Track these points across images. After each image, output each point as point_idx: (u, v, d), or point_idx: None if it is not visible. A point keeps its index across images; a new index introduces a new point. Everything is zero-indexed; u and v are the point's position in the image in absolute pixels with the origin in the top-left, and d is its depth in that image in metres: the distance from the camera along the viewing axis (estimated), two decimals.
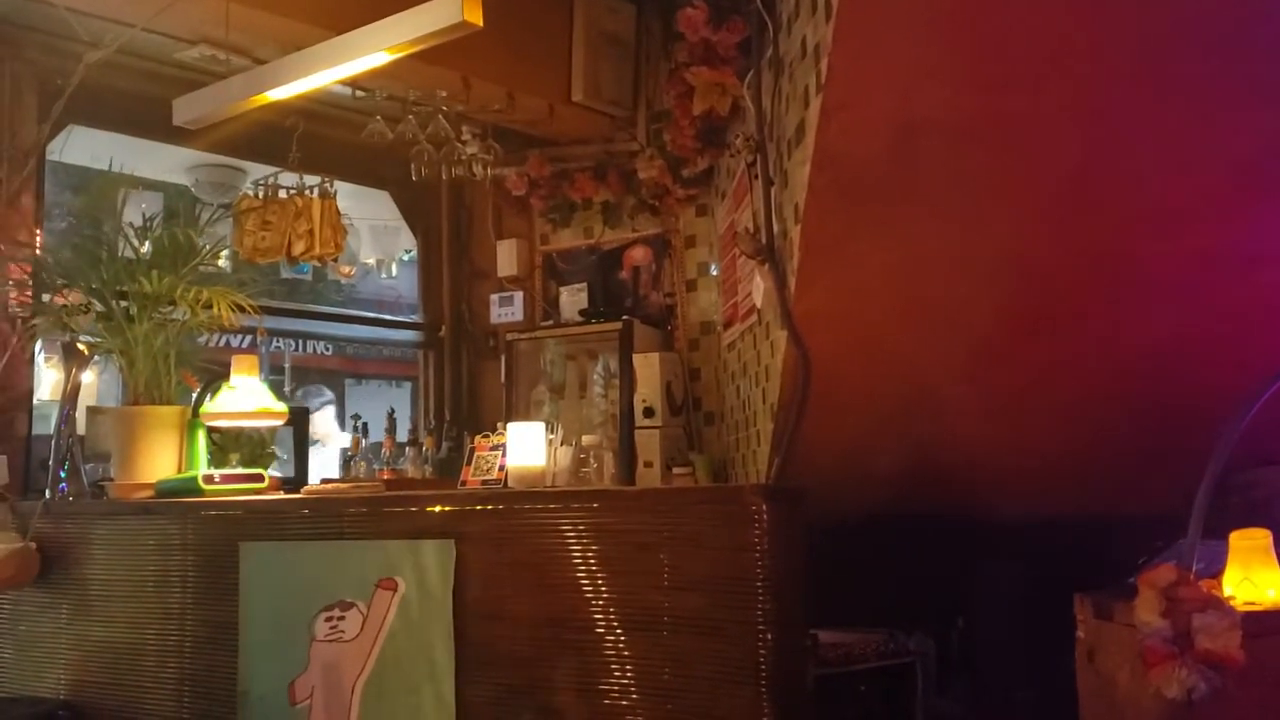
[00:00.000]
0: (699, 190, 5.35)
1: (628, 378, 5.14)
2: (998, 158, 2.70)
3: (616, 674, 2.85)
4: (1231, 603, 2.34)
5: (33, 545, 3.87)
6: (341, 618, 3.26)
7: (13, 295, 4.21)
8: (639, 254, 5.67)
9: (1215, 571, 2.51)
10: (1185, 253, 2.88)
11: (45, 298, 4.12)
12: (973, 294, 3.01)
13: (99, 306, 4.00)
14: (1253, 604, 2.41)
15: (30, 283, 4.18)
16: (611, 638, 2.87)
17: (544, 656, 2.97)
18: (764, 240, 3.41)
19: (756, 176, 3.57)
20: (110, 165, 4.27)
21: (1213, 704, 2.17)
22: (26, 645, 4.04)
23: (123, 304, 4.02)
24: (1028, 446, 3.30)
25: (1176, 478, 2.71)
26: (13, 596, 4.06)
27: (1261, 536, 2.52)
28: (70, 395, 4.10)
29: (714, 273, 5.28)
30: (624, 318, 5.32)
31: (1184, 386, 3.09)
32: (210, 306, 4.05)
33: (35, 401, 4.56)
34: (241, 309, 4.14)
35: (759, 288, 3.61)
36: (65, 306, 4.02)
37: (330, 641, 3.27)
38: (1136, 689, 2.39)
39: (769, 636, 2.65)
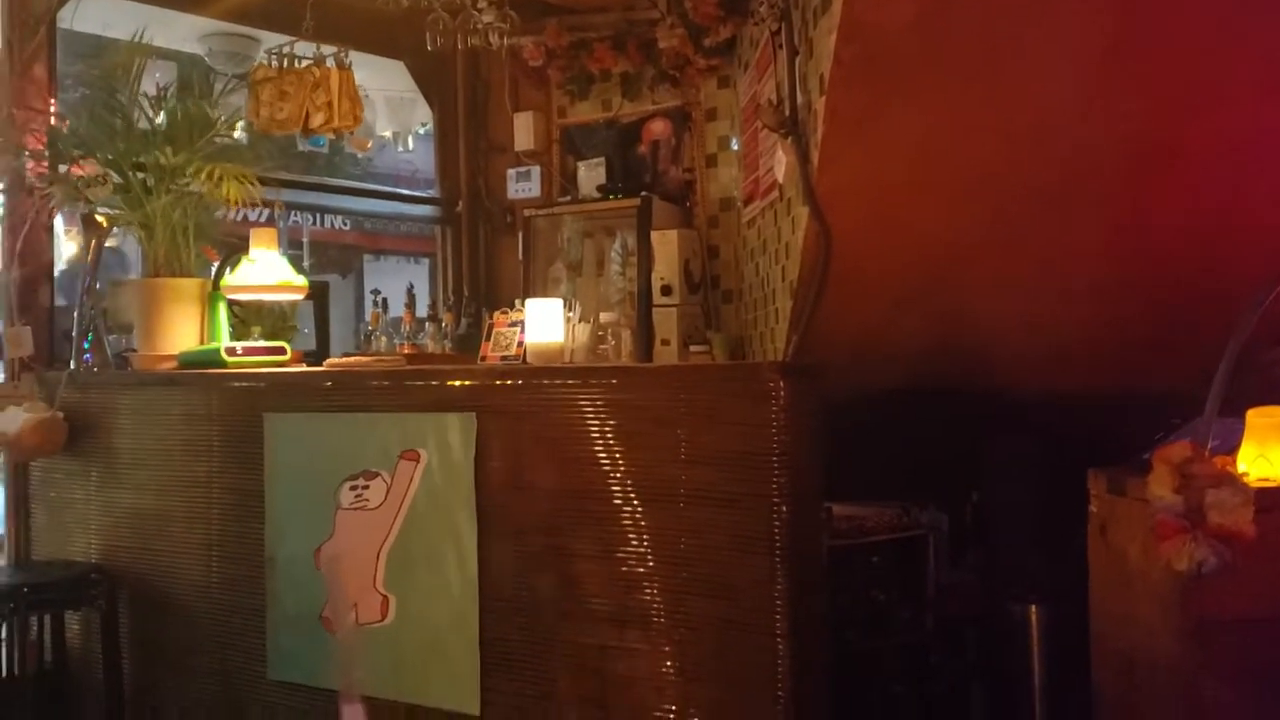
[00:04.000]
0: (721, 61, 5.23)
1: (645, 255, 5.12)
2: (1029, 29, 2.63)
3: (634, 543, 2.91)
4: (1245, 479, 2.36)
5: (60, 414, 3.94)
6: (366, 487, 3.33)
7: (29, 165, 4.19)
8: (658, 127, 5.58)
9: (1230, 448, 2.52)
10: (1217, 133, 2.82)
11: (62, 169, 4.10)
12: (999, 169, 2.96)
13: (116, 178, 3.98)
14: (1266, 480, 2.43)
15: (46, 153, 4.15)
16: (629, 509, 2.93)
17: (563, 526, 3.03)
18: (787, 113, 3.35)
19: (781, 46, 3.49)
20: (127, 34, 4.19)
21: (1222, 577, 2.20)
22: (58, 511, 4.14)
23: (140, 176, 4.00)
24: (1047, 323, 3.29)
25: (1196, 356, 2.71)
26: (43, 464, 4.15)
27: (1279, 414, 2.53)
28: (90, 266, 4.12)
29: (735, 147, 5.21)
30: (642, 194, 5.27)
31: (1208, 266, 3.06)
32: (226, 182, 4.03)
33: (56, 273, 4.58)
34: (258, 182, 4.12)
35: (781, 162, 3.56)
36: (82, 178, 4.00)
37: (355, 510, 3.34)
38: (1147, 562, 2.44)
39: (783, 509, 2.70)
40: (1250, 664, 2.27)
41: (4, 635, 3.85)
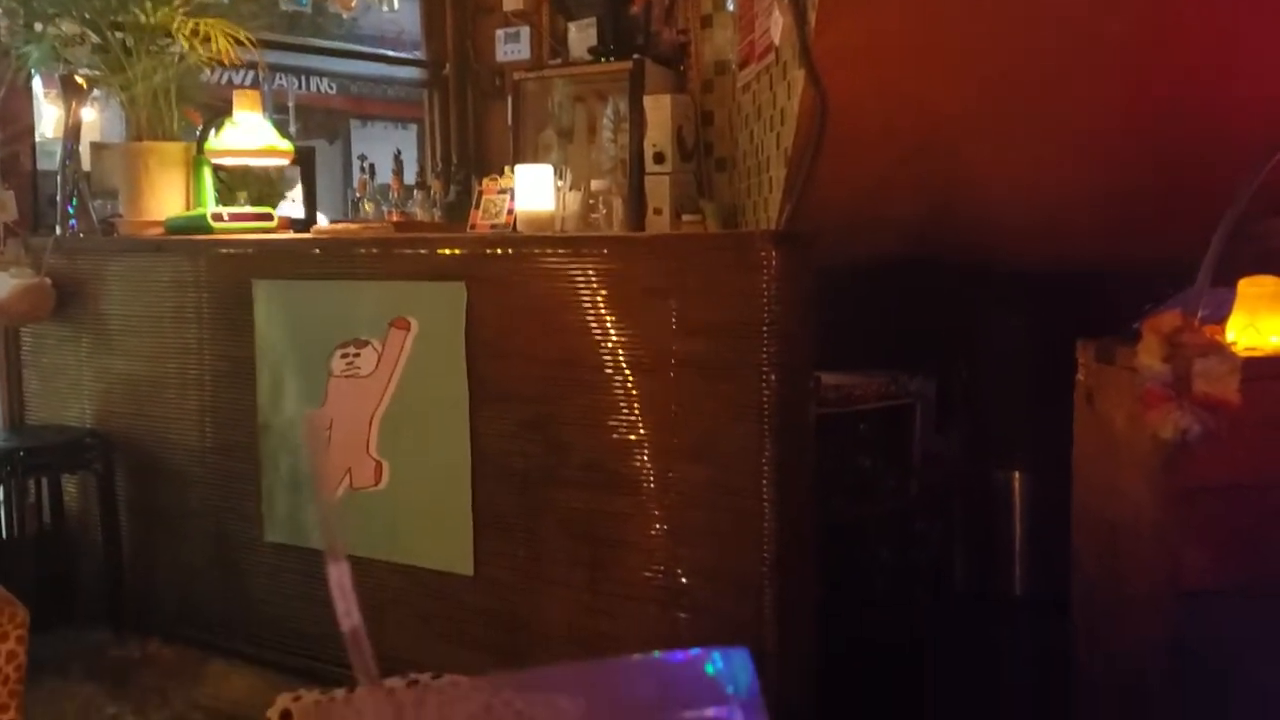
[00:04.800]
0: None
1: (638, 121, 5.03)
2: None
3: (624, 411, 2.93)
4: (1233, 348, 2.37)
5: (48, 280, 3.92)
6: (357, 354, 3.33)
7: (3, 25, 4.07)
8: None
9: (1221, 318, 2.53)
10: (1219, 1, 2.75)
11: (38, 28, 3.99)
12: (1000, 31, 2.89)
13: (94, 38, 3.87)
14: (1254, 349, 2.44)
15: (21, 11, 4.03)
16: (620, 378, 2.94)
17: (554, 394, 3.05)
18: None
19: None
20: None
21: (1206, 445, 2.23)
22: (51, 377, 4.16)
23: (119, 35, 3.90)
24: (1043, 191, 3.26)
25: (1191, 225, 2.70)
26: (33, 330, 4.15)
27: (1271, 284, 2.53)
28: (72, 130, 4.04)
29: (730, 8, 5.06)
30: (635, 57, 5.14)
31: (1207, 135, 3.01)
32: (208, 40, 3.92)
33: (38, 138, 4.49)
34: (239, 42, 4.01)
35: (778, 23, 3.47)
36: (59, 36, 3.90)
37: (347, 377, 3.35)
38: (1132, 431, 2.46)
39: (773, 378, 2.71)
40: (1230, 530, 2.32)
41: (2, 498, 3.90)
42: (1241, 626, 2.20)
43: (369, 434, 3.31)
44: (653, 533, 2.90)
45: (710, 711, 0.44)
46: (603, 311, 2.96)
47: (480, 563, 3.19)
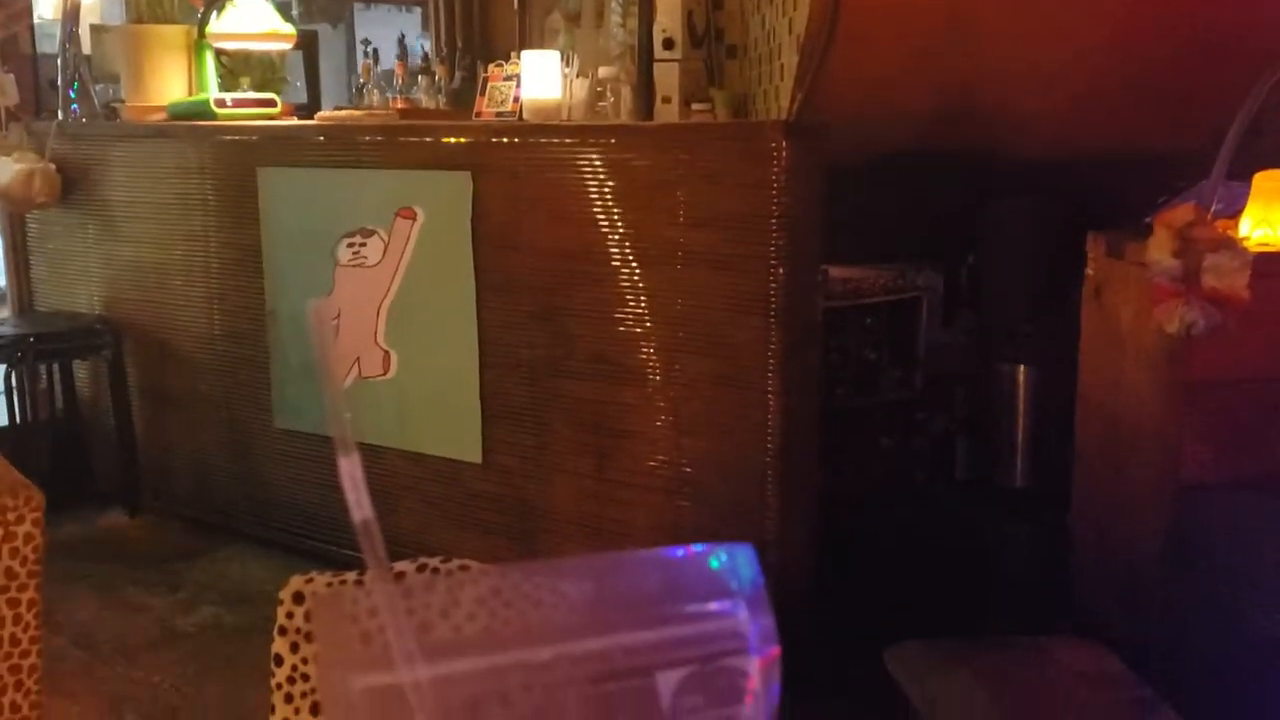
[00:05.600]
0: None
1: (647, 5, 4.91)
2: None
3: (631, 304, 2.93)
4: (1245, 243, 2.35)
5: (52, 165, 3.89)
6: (363, 244, 3.32)
7: None
8: None
9: (1235, 213, 2.50)
10: None
11: None
12: None
13: None
14: (1266, 245, 2.42)
15: None
16: (627, 270, 2.93)
17: (561, 286, 3.05)
18: None
19: None
20: None
21: (1212, 340, 2.23)
22: (58, 263, 4.16)
23: None
24: (1060, 79, 3.20)
25: (1208, 117, 2.65)
26: (39, 216, 4.13)
27: None
28: (70, 11, 3.96)
29: None
30: None
31: (1228, 23, 2.94)
32: None
33: (36, 20, 4.41)
34: None
35: None
36: None
37: (354, 267, 3.35)
38: (1138, 326, 2.46)
39: (780, 271, 2.70)
40: (1232, 424, 2.33)
41: (14, 383, 3.94)
42: (1240, 520, 2.23)
43: (376, 323, 3.32)
44: (658, 423, 2.93)
45: (713, 605, 0.45)
46: (610, 202, 2.94)
47: (489, 451, 3.22)
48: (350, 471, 0.44)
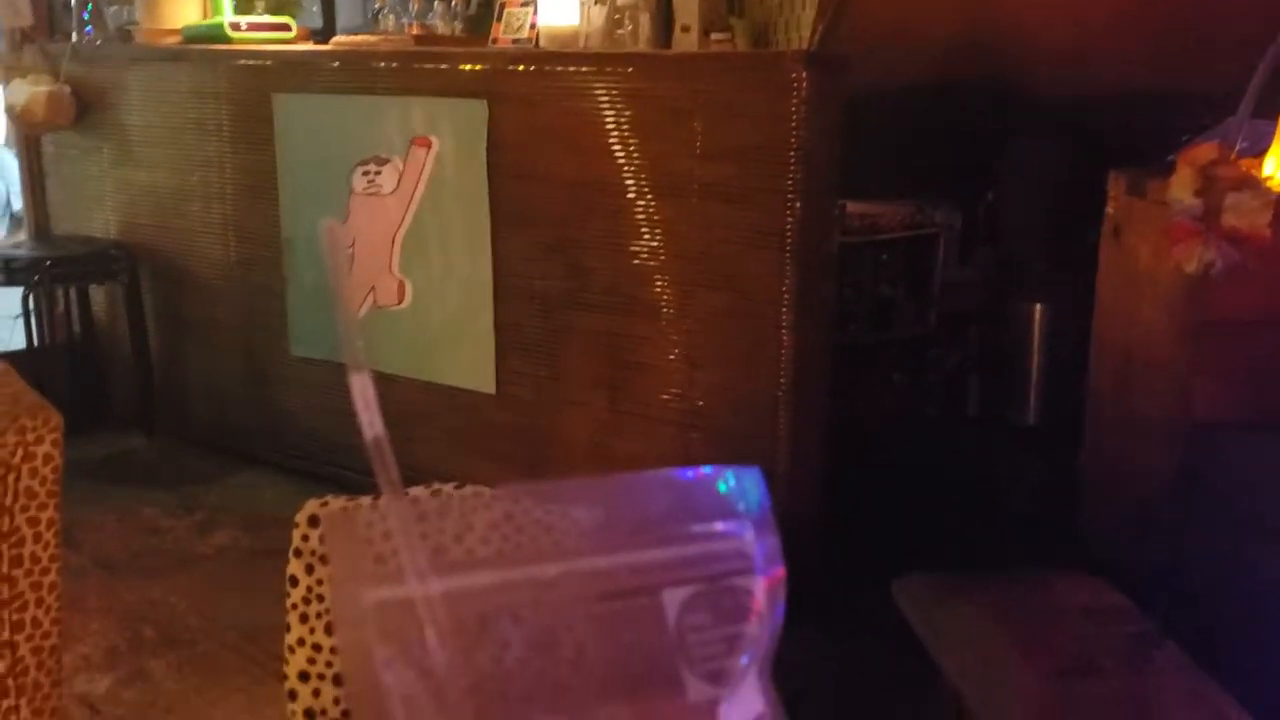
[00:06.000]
0: None
1: None
2: None
3: (646, 236, 2.92)
4: (1269, 183, 2.32)
5: (66, 88, 3.87)
6: (378, 172, 3.31)
7: None
8: None
9: (1260, 152, 2.46)
10: None
11: None
12: None
13: None
14: None
15: None
16: (642, 202, 2.92)
17: (576, 217, 3.04)
18: None
19: None
20: None
21: (1231, 281, 2.21)
22: (73, 187, 4.16)
23: None
24: (1084, 14, 3.14)
25: (1234, 54, 2.60)
26: (54, 139, 4.12)
27: None
28: None
29: None
30: None
31: None
32: None
33: None
34: None
35: None
36: None
37: (368, 195, 3.34)
38: (1156, 265, 2.44)
39: (797, 205, 2.68)
40: (1245, 364, 2.32)
41: (31, 306, 3.96)
42: (1251, 460, 2.23)
43: (391, 252, 3.32)
44: (671, 357, 2.93)
45: (720, 526, 0.45)
46: (626, 132, 2.91)
47: (502, 381, 3.24)
48: (362, 389, 0.45)
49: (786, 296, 2.71)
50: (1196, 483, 2.28)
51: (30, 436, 1.90)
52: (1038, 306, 3.35)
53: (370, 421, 0.44)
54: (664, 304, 2.92)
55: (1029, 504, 3.18)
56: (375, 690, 0.40)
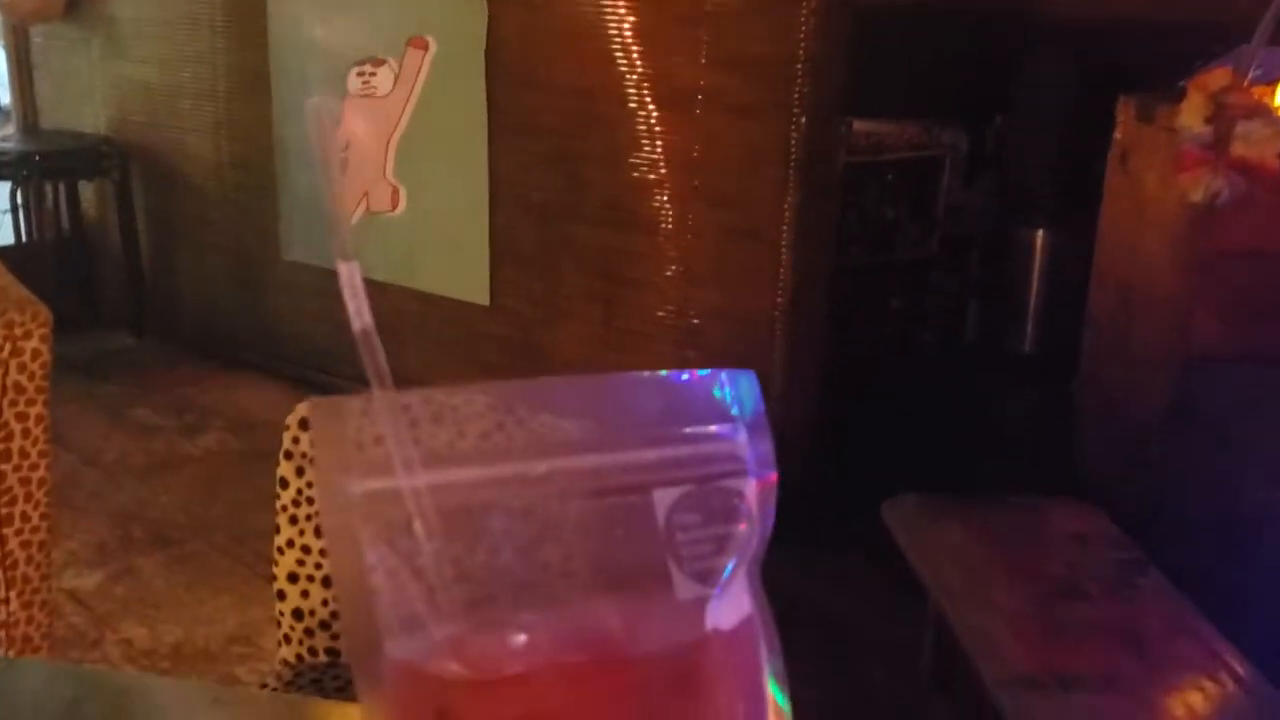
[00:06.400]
0: None
1: None
2: None
3: (646, 149, 2.88)
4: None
5: None
6: (373, 74, 3.24)
7: None
8: None
9: (1273, 80, 2.42)
10: None
11: None
12: None
13: None
14: None
15: None
16: (643, 113, 2.86)
17: (575, 128, 2.99)
18: None
19: None
20: None
21: (1235, 212, 2.19)
22: (63, 81, 4.08)
23: None
24: None
25: None
26: (43, 32, 4.04)
27: None
28: None
29: None
30: None
31: None
32: None
33: None
34: None
35: None
36: None
37: (364, 97, 3.28)
38: (1162, 193, 2.41)
39: (802, 120, 2.63)
40: (1245, 296, 2.31)
41: (20, 201, 3.91)
42: (1245, 393, 2.22)
43: (386, 157, 3.27)
44: (668, 273, 2.91)
45: (714, 428, 0.44)
46: (630, 39, 2.85)
47: (497, 293, 3.21)
48: (349, 279, 0.42)
49: (788, 214, 2.68)
50: (1191, 414, 2.28)
51: (18, 331, 1.88)
52: (1040, 233, 3.32)
53: (358, 311, 0.42)
54: (663, 219, 2.89)
55: (1023, 431, 3.18)
56: (361, 577, 0.39)
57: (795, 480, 2.64)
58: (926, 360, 3.44)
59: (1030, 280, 3.33)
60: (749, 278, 2.78)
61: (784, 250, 2.71)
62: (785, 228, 2.70)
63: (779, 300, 2.74)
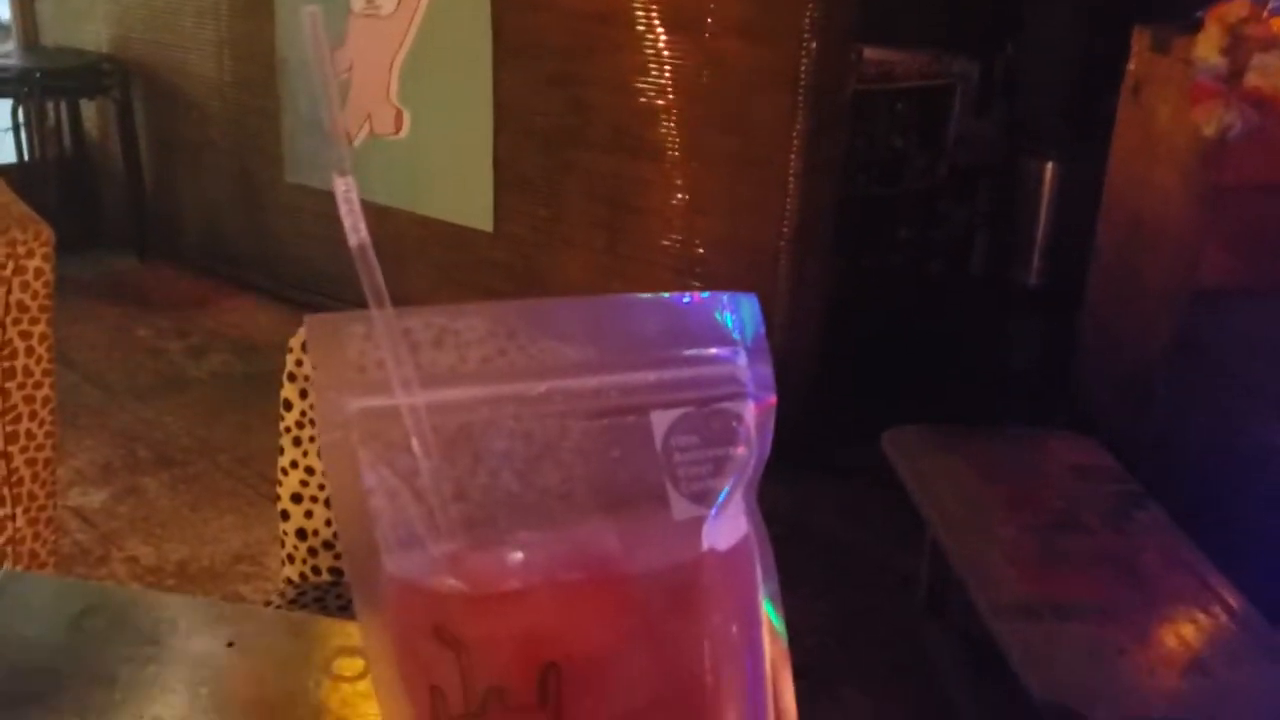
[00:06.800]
0: None
1: None
2: None
3: (654, 73, 2.84)
4: None
5: None
6: None
7: None
8: None
9: None
10: None
11: None
12: None
13: None
14: None
15: None
16: (651, 36, 2.82)
17: (582, 51, 2.94)
18: None
19: None
20: None
21: (1249, 144, 2.16)
22: None
23: None
24: None
25: None
26: None
27: None
28: None
29: None
30: None
31: None
32: None
33: None
34: None
35: None
36: None
37: (367, 17, 3.23)
38: (1175, 125, 2.38)
39: (813, 45, 2.59)
40: (1255, 231, 2.29)
41: (22, 119, 3.87)
42: (1251, 328, 2.21)
43: (389, 79, 3.23)
44: (674, 201, 2.88)
45: (714, 351, 0.43)
46: None
47: (500, 219, 3.19)
48: (345, 193, 0.42)
49: (796, 142, 2.65)
50: (1196, 348, 2.27)
51: (21, 249, 1.87)
52: (1049, 164, 3.29)
53: (354, 227, 0.41)
54: (669, 146, 2.86)
55: (1026, 363, 3.18)
56: (359, 494, 0.39)
57: (799, 409, 2.66)
58: (932, 291, 3.42)
59: (1038, 212, 3.30)
60: (755, 206, 2.76)
61: (791, 178, 2.69)
62: (793, 155, 2.67)
63: (785, 229, 2.72)
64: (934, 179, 3.34)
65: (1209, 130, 2.17)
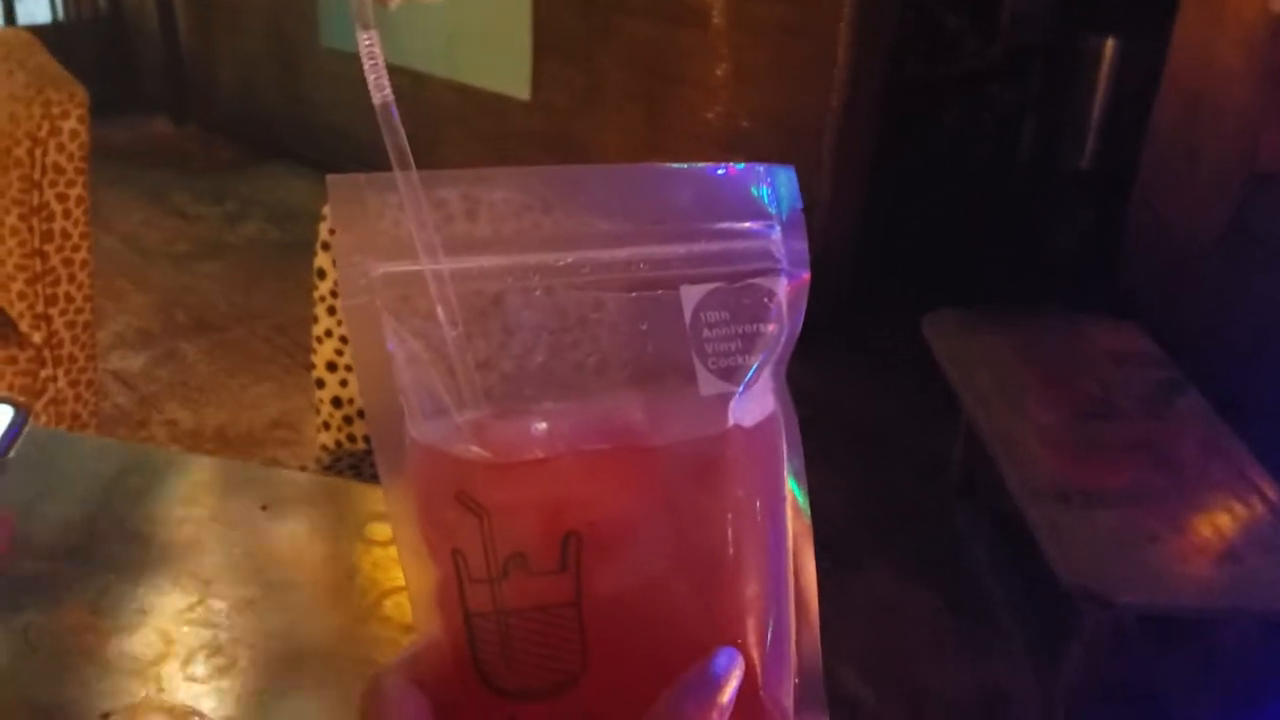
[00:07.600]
0: None
1: None
2: None
3: None
4: None
5: None
6: None
7: None
8: None
9: None
10: None
11: None
12: None
13: None
14: None
15: None
16: None
17: None
18: None
19: None
20: None
21: None
22: None
23: None
24: None
25: None
26: None
27: None
28: None
29: None
30: None
31: None
32: None
33: None
34: None
35: None
36: None
37: None
38: (1243, 1, 2.28)
39: None
40: None
41: None
42: None
43: None
44: (718, 72, 2.81)
45: (748, 224, 0.42)
46: None
47: (538, 88, 3.14)
48: (369, 48, 0.40)
49: (846, 11, 2.56)
50: (1249, 233, 2.21)
51: (56, 110, 1.86)
52: (1109, 41, 3.16)
53: (377, 84, 0.39)
54: (714, 12, 2.77)
55: (1072, 248, 3.11)
56: (382, 360, 0.38)
57: (836, 289, 2.64)
58: (979, 175, 3.34)
59: (1095, 93, 3.18)
60: (801, 79, 2.69)
61: (840, 50, 2.61)
62: (843, 24, 2.59)
63: (832, 103, 2.65)
64: (987, 60, 3.23)
65: (1278, 7, 2.07)
